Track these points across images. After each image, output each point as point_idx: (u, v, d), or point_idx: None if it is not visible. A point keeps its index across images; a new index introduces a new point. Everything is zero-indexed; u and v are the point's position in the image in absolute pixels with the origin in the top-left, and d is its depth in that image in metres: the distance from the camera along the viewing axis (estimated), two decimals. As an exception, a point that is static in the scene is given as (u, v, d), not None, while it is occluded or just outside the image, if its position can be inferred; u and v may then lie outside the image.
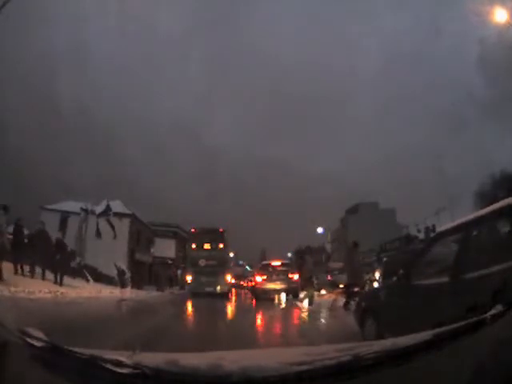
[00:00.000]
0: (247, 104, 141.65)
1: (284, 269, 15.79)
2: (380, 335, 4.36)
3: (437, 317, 2.99)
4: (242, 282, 35.47)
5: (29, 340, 1.20)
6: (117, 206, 29.67)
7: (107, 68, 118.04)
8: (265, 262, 18.56)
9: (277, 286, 14.64)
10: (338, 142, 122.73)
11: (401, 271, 4.64)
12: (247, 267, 64.09)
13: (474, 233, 3.59)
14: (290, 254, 78.61)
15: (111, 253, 23.39)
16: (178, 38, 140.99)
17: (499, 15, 11.62)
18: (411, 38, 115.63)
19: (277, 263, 16.34)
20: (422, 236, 34.56)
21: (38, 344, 1.20)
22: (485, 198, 28.50)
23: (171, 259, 39.76)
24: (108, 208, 28.20)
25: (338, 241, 56.43)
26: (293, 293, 14.57)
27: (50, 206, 30.01)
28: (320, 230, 43.40)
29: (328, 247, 60.18)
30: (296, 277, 15.34)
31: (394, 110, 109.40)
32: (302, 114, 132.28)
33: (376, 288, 7.18)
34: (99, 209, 27.26)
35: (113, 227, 27.81)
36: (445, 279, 3.53)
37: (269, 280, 14.80)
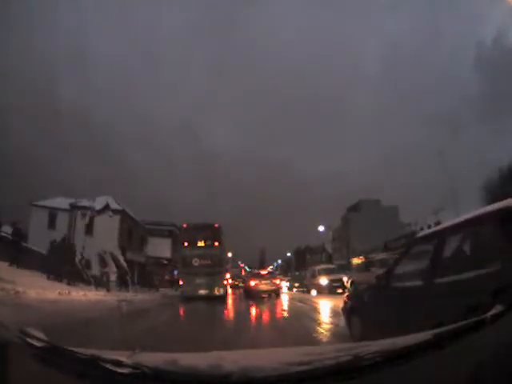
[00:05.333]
0: (247, 104, 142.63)
1: (270, 276, 22.41)
2: (363, 331, 4.93)
3: (411, 317, 3.54)
4: (237, 283, 35.67)
5: (29, 340, 1.24)
6: (106, 201, 29.35)
7: (108, 69, 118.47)
8: (256, 271, 26.38)
9: (265, 288, 19.84)
10: (338, 141, 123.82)
11: (382, 274, 5.13)
12: (246, 267, 64.18)
13: (448, 240, 3.86)
14: (289, 254, 78.97)
15: (98, 252, 22.72)
16: (178, 39, 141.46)
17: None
18: (411, 39, 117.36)
19: (264, 272, 24.05)
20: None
21: (38, 344, 1.23)
22: (490, 192, 28.66)
23: (167, 259, 39.52)
24: (107, 205, 28.07)
25: (340, 239, 56.39)
26: (276, 293, 20.04)
27: (40, 203, 29.84)
28: (321, 228, 43.41)
29: (329, 247, 60.19)
30: (278, 281, 22.54)
31: (393, 109, 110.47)
32: (302, 114, 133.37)
33: (361, 289, 7.61)
34: (98, 205, 27.09)
35: (113, 212, 27.16)
36: (419, 283, 3.92)
37: (259, 283, 20.16)
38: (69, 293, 13.02)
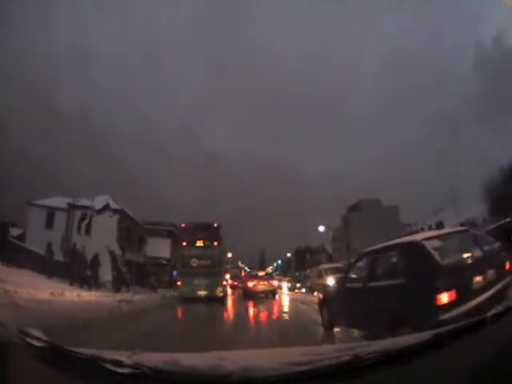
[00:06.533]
0: (247, 104, 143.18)
1: (267, 277, 23.13)
2: (330, 318, 6.94)
3: (356, 308, 5.62)
4: (236, 283, 35.67)
5: (29, 340, 1.25)
6: (105, 201, 29.30)
7: (108, 69, 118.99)
8: (253, 273, 27.28)
9: (262, 288, 20.62)
10: (338, 141, 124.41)
11: (341, 277, 7.29)
12: (246, 268, 64.15)
13: (378, 257, 5.72)
14: (289, 254, 79.00)
15: (95, 252, 22.20)
16: (178, 38, 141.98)
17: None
18: (411, 39, 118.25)
19: (262, 273, 24.92)
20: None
21: (38, 344, 1.24)
22: (491, 192, 28.72)
23: (166, 259, 39.50)
24: (107, 205, 27.97)
25: (340, 239, 56.36)
26: (273, 293, 20.95)
27: (37, 202, 29.77)
28: (321, 228, 43.34)
29: (329, 247, 60.15)
30: (276, 282, 23.65)
31: (393, 109, 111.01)
32: (302, 114, 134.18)
33: (329, 288, 9.91)
34: (97, 205, 27.03)
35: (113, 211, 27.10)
36: (360, 285, 5.74)
37: (257, 284, 20.99)
38: (62, 293, 12.79)
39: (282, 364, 1.24)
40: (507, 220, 11.21)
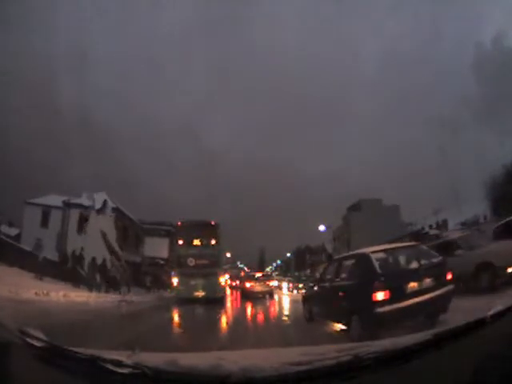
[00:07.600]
0: (247, 104, 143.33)
1: (264, 278, 24.22)
2: (310, 313, 8.72)
3: (325, 303, 7.89)
4: (235, 283, 35.64)
5: (29, 340, 1.26)
6: (103, 198, 29.08)
7: (108, 69, 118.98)
8: (251, 273, 28.16)
9: (260, 289, 21.67)
10: (338, 141, 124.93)
11: (316, 278, 10.63)
12: (245, 268, 64.09)
13: (342, 263, 7.45)
14: (289, 254, 79.03)
15: (92, 251, 21.55)
16: (178, 39, 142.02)
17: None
18: (411, 39, 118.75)
19: (259, 274, 25.88)
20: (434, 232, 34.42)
21: (38, 344, 1.25)
22: (494, 190, 28.79)
23: (164, 259, 39.41)
24: (105, 203, 27.85)
25: (340, 239, 56.38)
26: (270, 294, 21.83)
27: (33, 201, 29.70)
28: (322, 227, 43.25)
29: (329, 247, 60.19)
30: (276, 283, 25.86)
31: (394, 109, 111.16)
32: (303, 113, 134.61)
33: (309, 285, 11.77)
34: (96, 203, 26.94)
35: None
36: (328, 284, 7.66)
37: (254, 285, 22.11)
38: (47, 293, 12.38)
39: (281, 364, 1.25)
40: (511, 218, 11.24)
